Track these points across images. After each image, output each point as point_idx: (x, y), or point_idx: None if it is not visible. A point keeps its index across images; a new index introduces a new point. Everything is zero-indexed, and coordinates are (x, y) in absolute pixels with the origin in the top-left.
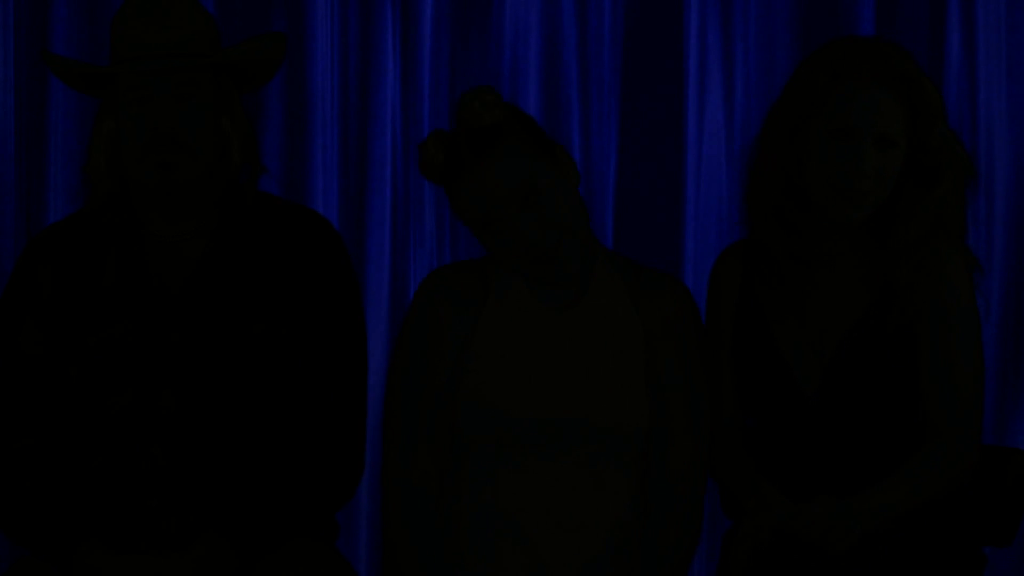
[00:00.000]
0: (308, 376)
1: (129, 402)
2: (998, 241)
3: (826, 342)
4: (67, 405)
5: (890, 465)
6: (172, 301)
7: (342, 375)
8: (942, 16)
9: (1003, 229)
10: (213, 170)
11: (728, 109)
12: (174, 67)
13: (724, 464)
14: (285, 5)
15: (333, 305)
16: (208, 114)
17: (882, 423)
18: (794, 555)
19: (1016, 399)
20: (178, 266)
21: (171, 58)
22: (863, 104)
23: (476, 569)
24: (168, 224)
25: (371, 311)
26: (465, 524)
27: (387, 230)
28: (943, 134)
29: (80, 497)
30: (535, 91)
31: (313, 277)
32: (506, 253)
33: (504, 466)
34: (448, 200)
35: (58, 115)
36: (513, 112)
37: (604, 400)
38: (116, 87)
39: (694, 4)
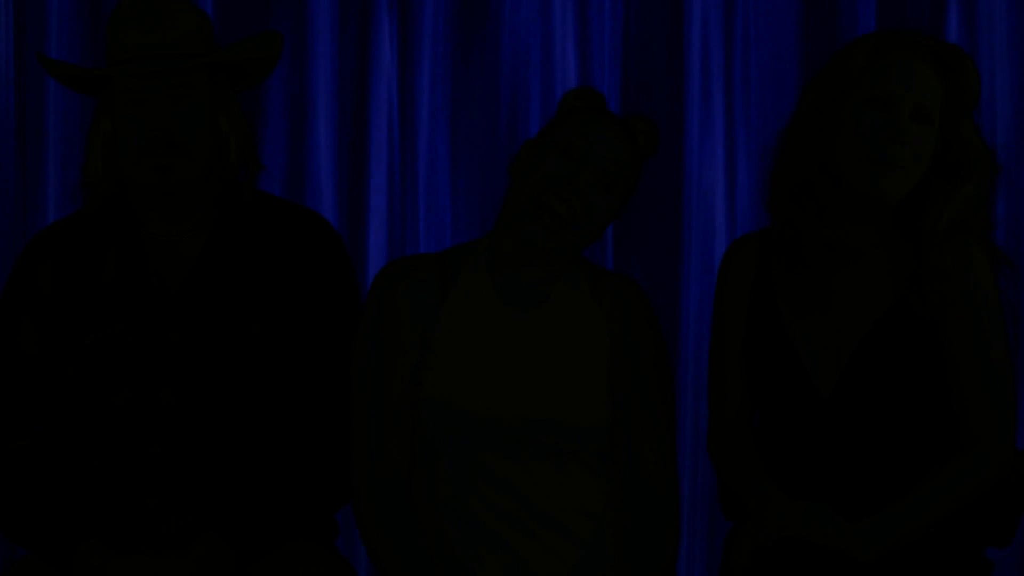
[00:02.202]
0: (308, 376)
1: (128, 401)
2: (999, 240)
3: (843, 342)
4: (66, 404)
5: (902, 468)
6: (171, 300)
7: (341, 374)
8: (941, 16)
9: (1003, 228)
10: (211, 169)
11: (728, 117)
12: (168, 68)
13: (728, 462)
14: (285, 4)
15: (332, 305)
16: (204, 113)
17: (897, 426)
18: (799, 557)
19: (1016, 400)
20: (177, 265)
21: (165, 59)
22: (902, 72)
23: (452, 568)
24: (166, 223)
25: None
26: (438, 521)
27: (384, 230)
28: (971, 129)
29: (80, 497)
30: (536, 102)
31: (312, 277)
32: (537, 179)
33: (469, 464)
34: (555, 124)
35: (57, 115)
36: (642, 160)
37: (566, 399)
38: (112, 88)
39: (696, 9)
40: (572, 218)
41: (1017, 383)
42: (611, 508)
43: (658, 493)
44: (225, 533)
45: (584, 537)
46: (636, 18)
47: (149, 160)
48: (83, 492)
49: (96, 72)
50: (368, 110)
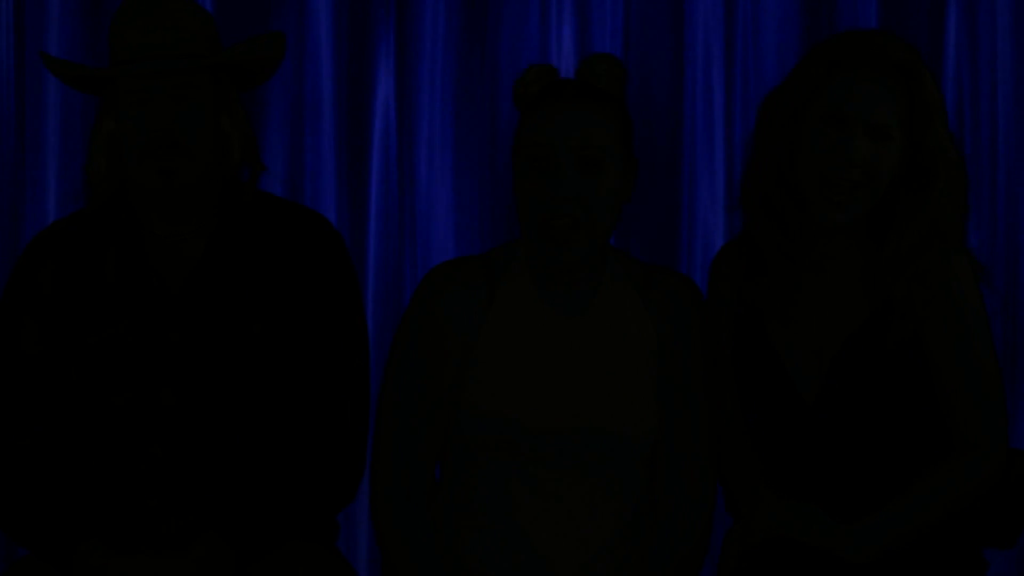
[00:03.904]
0: (309, 376)
1: (129, 402)
2: (1000, 239)
3: (824, 348)
4: (67, 405)
5: (890, 473)
6: (172, 301)
7: (343, 375)
8: (941, 12)
9: (1003, 228)
10: (213, 170)
11: (728, 122)
12: (171, 68)
13: (728, 464)
14: (285, 5)
15: (333, 305)
16: (207, 114)
17: (882, 430)
18: (788, 557)
19: (1015, 401)
20: (178, 266)
21: (168, 59)
22: (857, 92)
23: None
24: (168, 224)
25: (370, 311)
26: (470, 530)
27: (384, 231)
28: (939, 136)
29: (80, 497)
30: None
31: (313, 276)
32: (528, 202)
33: (510, 474)
34: (517, 128)
35: (57, 115)
36: (623, 103)
37: (613, 408)
38: (115, 88)
39: (699, 13)
40: (575, 224)
41: (1013, 384)
42: (643, 517)
43: (692, 497)
44: (225, 533)
45: (616, 548)
46: (636, 24)
47: (153, 163)
48: (83, 492)
49: (99, 72)
50: (368, 110)
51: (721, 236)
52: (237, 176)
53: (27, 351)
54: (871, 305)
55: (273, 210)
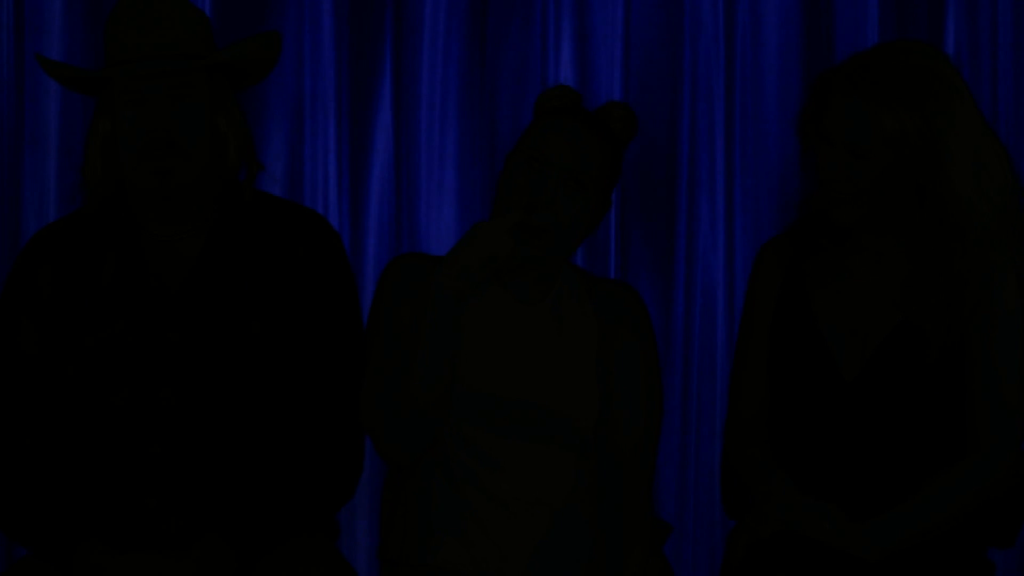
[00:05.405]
0: (307, 375)
1: (128, 401)
2: None
3: (871, 332)
4: (66, 405)
5: (918, 462)
6: (170, 300)
7: (340, 373)
8: (941, 12)
9: None
10: (210, 170)
11: (729, 133)
12: (167, 69)
13: (742, 458)
14: (284, 4)
15: (331, 304)
16: (203, 114)
17: (916, 419)
18: (796, 551)
19: None
20: (176, 265)
21: (164, 60)
22: (835, 114)
23: (438, 545)
24: (165, 224)
25: (368, 310)
26: (428, 501)
27: (384, 231)
28: (940, 139)
29: (80, 497)
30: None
31: (311, 275)
32: (509, 195)
33: (458, 442)
34: (527, 129)
35: (57, 116)
36: (621, 151)
37: (558, 388)
38: (112, 89)
39: (704, 15)
40: (549, 228)
41: None
42: (590, 489)
43: (630, 491)
44: (226, 533)
45: (555, 522)
46: (637, 32)
47: (149, 164)
48: (83, 492)
49: (95, 73)
50: (369, 110)
51: (721, 259)
52: (234, 175)
53: (26, 351)
54: (925, 293)
55: (271, 209)
